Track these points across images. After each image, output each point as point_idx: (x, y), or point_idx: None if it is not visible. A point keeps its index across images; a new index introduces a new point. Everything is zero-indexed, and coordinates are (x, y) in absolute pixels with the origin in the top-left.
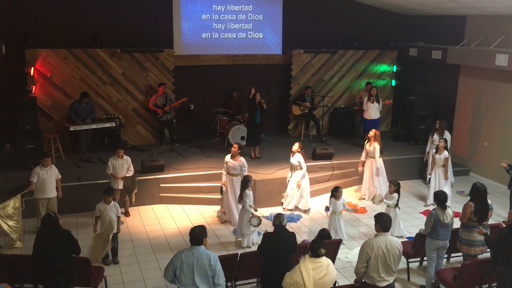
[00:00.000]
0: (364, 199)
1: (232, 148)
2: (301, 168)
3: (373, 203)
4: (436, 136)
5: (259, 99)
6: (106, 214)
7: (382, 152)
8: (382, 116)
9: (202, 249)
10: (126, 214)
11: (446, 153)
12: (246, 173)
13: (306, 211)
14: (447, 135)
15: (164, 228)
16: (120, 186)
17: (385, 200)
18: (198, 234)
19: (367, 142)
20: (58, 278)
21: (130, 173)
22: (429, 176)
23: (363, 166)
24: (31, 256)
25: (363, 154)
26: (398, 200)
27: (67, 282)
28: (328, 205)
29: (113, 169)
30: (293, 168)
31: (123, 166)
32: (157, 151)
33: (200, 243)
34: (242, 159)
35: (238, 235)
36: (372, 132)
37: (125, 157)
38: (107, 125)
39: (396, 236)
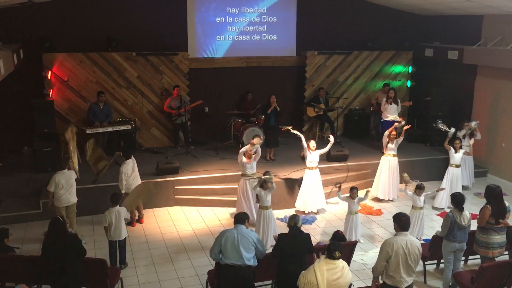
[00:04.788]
0: (379, 199)
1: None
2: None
3: (404, 182)
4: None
5: (273, 101)
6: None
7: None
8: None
9: (244, 228)
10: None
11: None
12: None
13: (320, 211)
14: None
15: (179, 230)
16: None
17: (409, 191)
18: (242, 216)
19: (393, 138)
20: (67, 280)
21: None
22: None
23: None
24: (40, 258)
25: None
26: (424, 202)
27: (75, 284)
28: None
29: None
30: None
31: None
32: (172, 153)
33: (243, 223)
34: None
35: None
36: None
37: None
38: (123, 128)
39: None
